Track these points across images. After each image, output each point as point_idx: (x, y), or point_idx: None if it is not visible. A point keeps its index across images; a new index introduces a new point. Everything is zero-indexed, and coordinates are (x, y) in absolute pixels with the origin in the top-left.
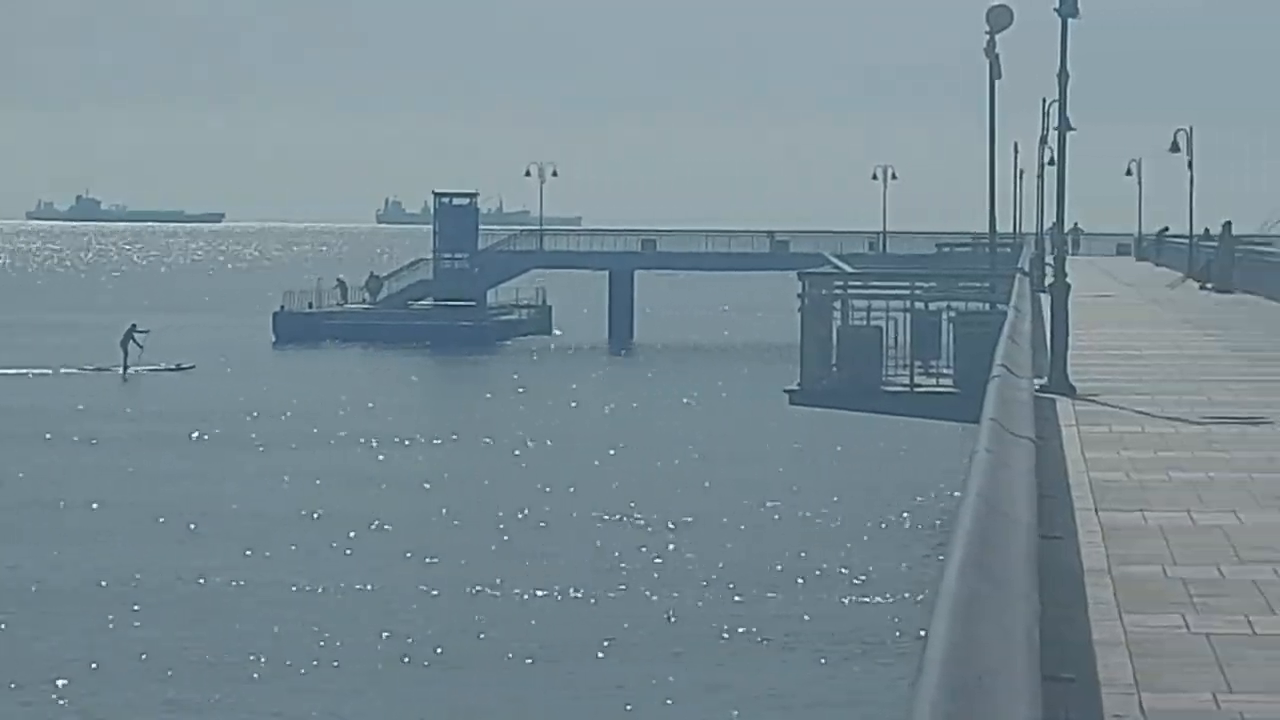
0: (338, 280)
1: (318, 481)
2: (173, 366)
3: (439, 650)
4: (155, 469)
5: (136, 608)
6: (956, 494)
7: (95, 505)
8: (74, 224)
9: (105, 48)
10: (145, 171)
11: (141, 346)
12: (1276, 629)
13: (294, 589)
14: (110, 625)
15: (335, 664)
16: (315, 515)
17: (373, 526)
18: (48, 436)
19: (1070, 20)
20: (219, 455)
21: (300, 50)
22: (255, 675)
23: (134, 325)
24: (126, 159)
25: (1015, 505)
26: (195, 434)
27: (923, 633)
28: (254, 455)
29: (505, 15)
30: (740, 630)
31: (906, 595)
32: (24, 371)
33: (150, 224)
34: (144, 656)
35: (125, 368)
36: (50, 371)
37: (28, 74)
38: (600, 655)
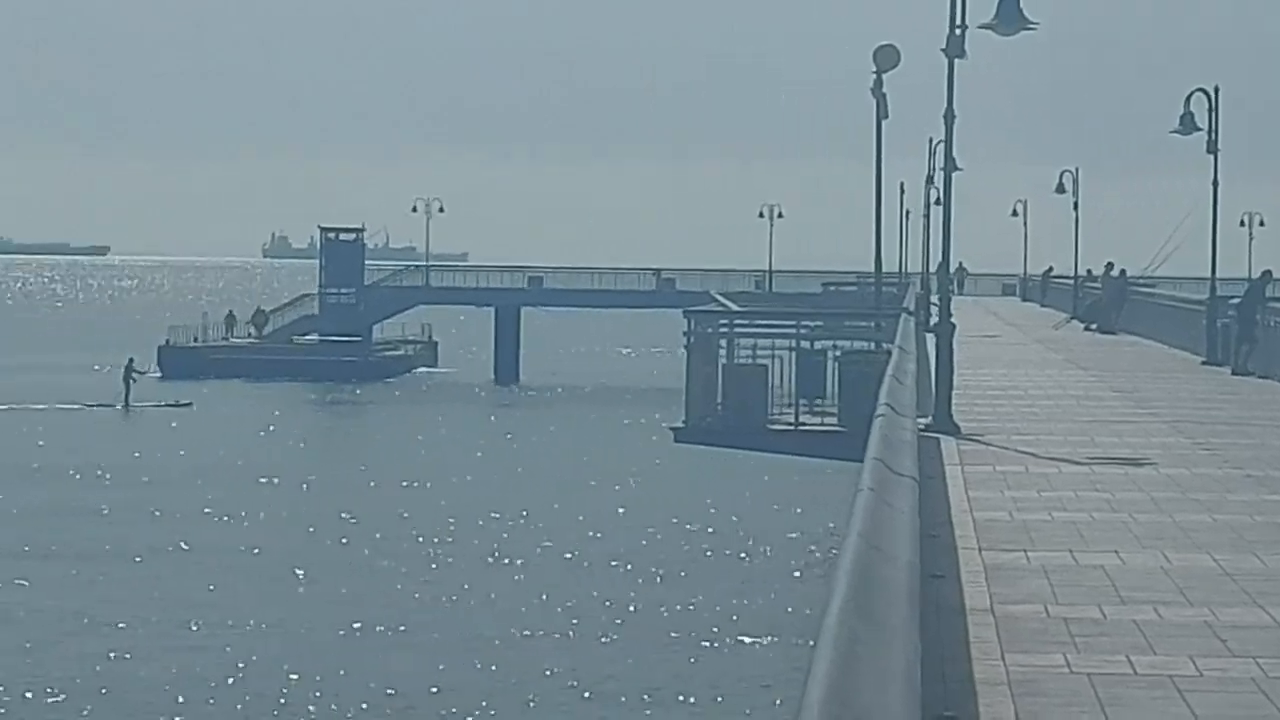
0: (228, 313)
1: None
2: (172, 403)
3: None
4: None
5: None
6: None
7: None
8: None
9: None
10: (31, 205)
11: (135, 381)
12: (1157, 669)
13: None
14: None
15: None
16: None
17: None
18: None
19: (957, 61)
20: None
21: (188, 82)
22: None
23: (131, 360)
24: (10, 193)
25: (897, 544)
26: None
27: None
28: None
29: (393, 51)
30: (627, 674)
31: (795, 638)
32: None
33: (37, 256)
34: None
35: (126, 404)
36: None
37: None
38: (493, 696)
